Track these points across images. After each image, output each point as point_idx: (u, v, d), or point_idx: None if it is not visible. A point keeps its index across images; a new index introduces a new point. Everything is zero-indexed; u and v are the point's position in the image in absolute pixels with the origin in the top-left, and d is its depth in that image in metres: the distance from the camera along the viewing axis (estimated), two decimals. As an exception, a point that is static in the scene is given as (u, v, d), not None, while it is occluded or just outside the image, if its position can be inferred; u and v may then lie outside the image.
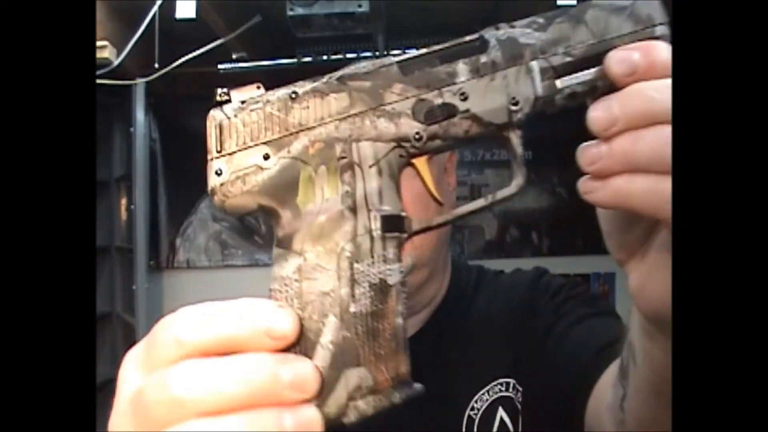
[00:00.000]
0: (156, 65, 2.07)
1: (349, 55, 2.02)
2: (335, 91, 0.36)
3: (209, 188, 0.36)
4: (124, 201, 2.75)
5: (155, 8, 1.89)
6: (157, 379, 0.30)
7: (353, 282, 0.34)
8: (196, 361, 0.30)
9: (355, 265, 0.34)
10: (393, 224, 0.35)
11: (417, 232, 0.37)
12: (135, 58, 2.04)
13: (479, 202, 0.38)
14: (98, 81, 1.94)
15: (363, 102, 0.36)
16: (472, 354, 0.75)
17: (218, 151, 0.37)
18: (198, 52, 2.08)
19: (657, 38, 0.34)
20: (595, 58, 0.35)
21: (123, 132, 2.66)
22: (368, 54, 2.05)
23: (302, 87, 0.37)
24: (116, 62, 1.99)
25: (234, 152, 0.37)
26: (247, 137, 0.37)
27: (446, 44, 0.39)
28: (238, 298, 0.33)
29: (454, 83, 0.37)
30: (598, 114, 0.33)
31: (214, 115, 0.37)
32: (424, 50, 0.38)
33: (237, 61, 2.19)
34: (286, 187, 0.36)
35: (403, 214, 0.36)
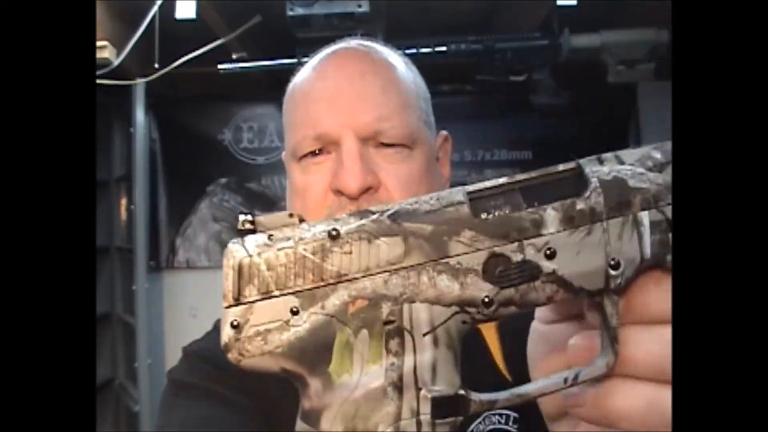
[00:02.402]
0: (156, 65, 2.07)
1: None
2: (387, 234, 0.29)
3: (222, 342, 0.29)
4: (124, 201, 2.75)
5: (155, 8, 1.89)
6: None
7: None
8: None
9: None
10: (447, 408, 0.29)
11: (475, 414, 0.30)
12: (135, 58, 2.04)
13: (557, 382, 0.30)
14: (98, 81, 1.94)
15: (422, 252, 0.29)
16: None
17: (235, 299, 0.29)
18: (198, 52, 2.08)
19: None
20: None
21: (123, 132, 2.66)
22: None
23: (346, 224, 0.30)
24: (116, 62, 1.99)
25: (255, 301, 0.29)
26: (272, 284, 0.29)
27: (536, 173, 0.30)
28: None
29: (540, 235, 0.29)
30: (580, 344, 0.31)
31: (233, 251, 0.30)
32: (503, 180, 0.30)
33: (237, 61, 2.19)
34: (317, 350, 0.29)
35: (462, 392, 0.29)
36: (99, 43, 1.89)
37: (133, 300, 2.40)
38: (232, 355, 0.29)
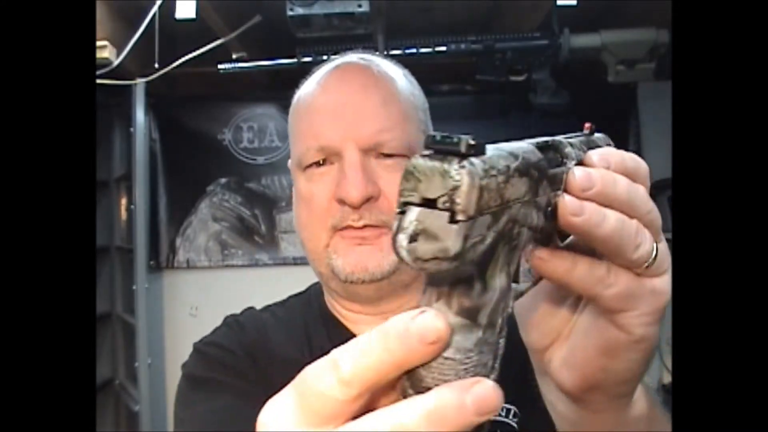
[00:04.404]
0: (156, 65, 2.07)
1: (349, 55, 2.02)
2: (523, 175, 0.35)
3: (448, 248, 0.32)
4: (124, 201, 2.75)
5: (155, 8, 1.89)
6: None
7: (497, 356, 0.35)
8: (379, 413, 0.28)
9: (500, 341, 0.35)
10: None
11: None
12: (135, 58, 2.04)
13: None
14: (98, 81, 1.94)
15: (532, 191, 0.36)
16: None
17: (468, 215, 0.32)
18: (198, 52, 2.08)
19: None
20: None
21: (123, 132, 2.66)
22: (368, 54, 2.04)
23: (513, 161, 0.35)
24: (116, 62, 1.98)
25: (475, 217, 0.33)
26: (484, 205, 0.33)
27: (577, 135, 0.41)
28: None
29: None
30: (581, 176, 0.36)
31: (472, 172, 0.32)
32: (550, 139, 0.39)
33: (237, 61, 2.19)
34: (487, 260, 0.34)
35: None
36: (99, 43, 1.89)
37: (133, 300, 2.40)
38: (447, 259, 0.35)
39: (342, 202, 0.69)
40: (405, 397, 0.30)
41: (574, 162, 0.38)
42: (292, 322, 0.80)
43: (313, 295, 0.83)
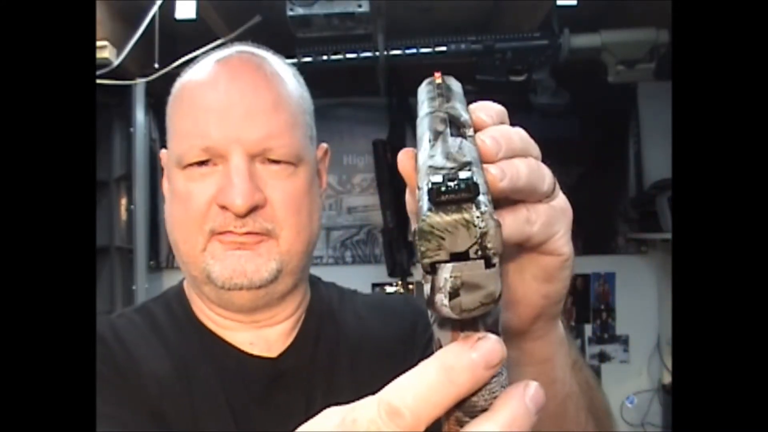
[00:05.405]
0: (156, 65, 2.07)
1: (349, 55, 2.02)
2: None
3: (494, 292, 0.32)
4: (124, 201, 2.75)
5: (155, 8, 1.89)
6: None
7: None
8: None
9: None
10: None
11: None
12: (135, 58, 2.04)
13: None
14: (98, 81, 1.94)
15: None
16: (356, 373, 0.73)
17: None
18: (198, 52, 2.07)
19: None
20: None
21: (123, 132, 2.66)
22: (368, 54, 2.04)
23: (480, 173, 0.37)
24: (116, 62, 1.98)
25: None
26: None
27: None
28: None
29: None
30: (490, 143, 0.38)
31: (491, 213, 0.31)
32: None
33: (237, 61, 2.18)
34: None
35: None
36: (99, 43, 1.88)
37: (133, 300, 2.40)
38: None
39: (225, 208, 0.66)
40: (461, 426, 0.30)
41: (471, 129, 0.38)
42: (155, 332, 0.73)
43: (173, 300, 0.78)
